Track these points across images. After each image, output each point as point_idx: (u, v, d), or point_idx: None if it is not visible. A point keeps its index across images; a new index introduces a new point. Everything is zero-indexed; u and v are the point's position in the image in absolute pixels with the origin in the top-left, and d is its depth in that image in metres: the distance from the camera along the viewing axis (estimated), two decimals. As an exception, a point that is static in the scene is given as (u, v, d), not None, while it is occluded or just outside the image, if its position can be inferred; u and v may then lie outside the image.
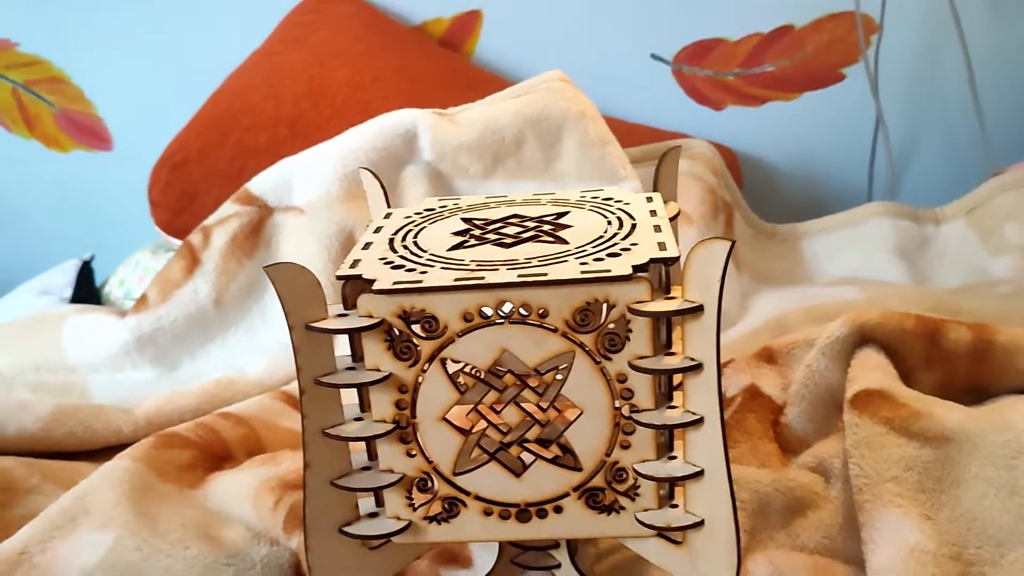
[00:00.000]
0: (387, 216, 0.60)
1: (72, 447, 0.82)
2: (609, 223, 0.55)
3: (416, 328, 0.48)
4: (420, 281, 0.48)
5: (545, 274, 0.47)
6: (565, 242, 0.52)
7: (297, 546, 0.65)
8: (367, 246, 0.54)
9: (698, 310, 0.46)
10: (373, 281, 0.48)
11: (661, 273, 0.49)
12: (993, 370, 0.71)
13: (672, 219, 0.61)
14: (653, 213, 0.56)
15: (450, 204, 0.62)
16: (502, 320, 0.48)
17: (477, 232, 0.55)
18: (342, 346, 0.51)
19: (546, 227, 0.55)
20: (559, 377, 0.49)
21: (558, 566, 0.60)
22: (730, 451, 0.71)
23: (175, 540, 0.63)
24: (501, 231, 0.55)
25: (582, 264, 0.48)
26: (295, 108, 1.10)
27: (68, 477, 0.74)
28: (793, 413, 0.74)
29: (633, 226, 0.54)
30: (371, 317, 0.48)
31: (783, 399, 0.76)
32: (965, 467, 0.61)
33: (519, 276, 0.47)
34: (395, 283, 0.48)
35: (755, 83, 1.38)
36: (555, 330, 0.48)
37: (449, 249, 0.52)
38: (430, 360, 0.49)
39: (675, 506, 0.51)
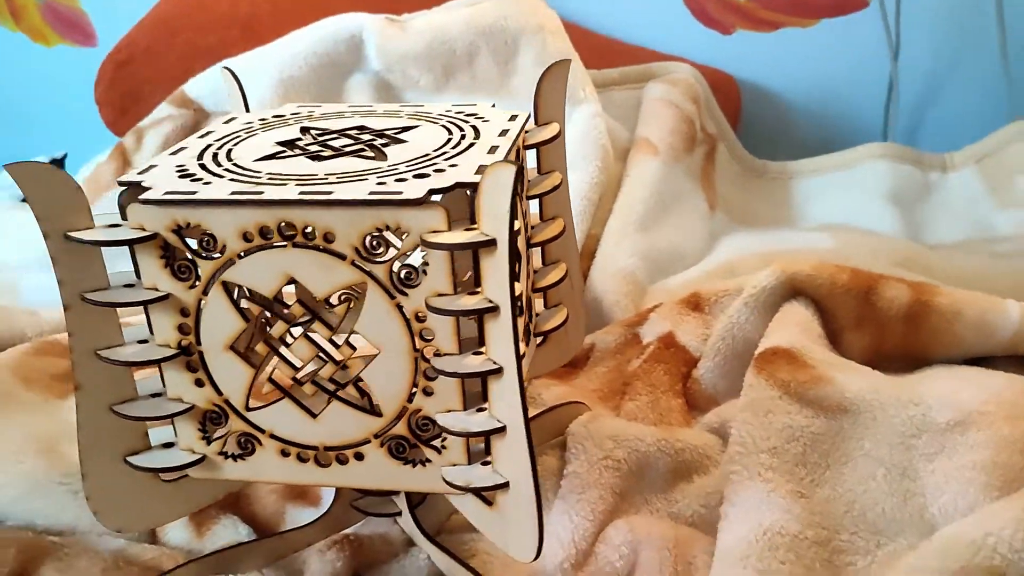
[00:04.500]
0: (228, 120, 0.54)
1: (-28, 347, 0.80)
2: (448, 140, 0.48)
3: (193, 245, 0.43)
4: (195, 192, 0.42)
5: (331, 192, 0.41)
6: (384, 158, 0.46)
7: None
8: (178, 151, 0.49)
9: (489, 244, 0.40)
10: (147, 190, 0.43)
11: (469, 200, 0.43)
12: (928, 336, 0.63)
13: (548, 141, 0.54)
14: (503, 133, 0.49)
15: (304, 111, 0.56)
16: (285, 243, 0.42)
17: (303, 143, 0.49)
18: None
19: (379, 141, 0.48)
20: (351, 311, 0.44)
21: (398, 513, 0.55)
22: (629, 404, 0.65)
23: (10, 453, 0.60)
24: (327, 143, 0.49)
25: (380, 184, 0.42)
26: (251, 8, 1.03)
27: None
28: (706, 368, 0.67)
29: (470, 145, 0.47)
30: (143, 230, 0.43)
31: (701, 351, 0.69)
32: (857, 442, 0.54)
33: (301, 194, 0.41)
34: (167, 192, 0.42)
35: (769, 6, 1.27)
36: (344, 257, 0.42)
37: (256, 160, 0.47)
38: (211, 282, 0.44)
39: (488, 463, 0.45)
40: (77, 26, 1.39)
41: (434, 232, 0.41)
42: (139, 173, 0.45)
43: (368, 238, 0.41)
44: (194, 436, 0.47)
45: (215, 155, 0.48)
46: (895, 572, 0.42)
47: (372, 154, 0.47)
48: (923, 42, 1.22)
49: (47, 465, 0.60)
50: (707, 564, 0.52)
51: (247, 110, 0.58)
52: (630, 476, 0.58)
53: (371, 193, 0.41)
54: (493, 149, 0.46)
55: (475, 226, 0.41)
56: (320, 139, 0.49)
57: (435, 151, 0.46)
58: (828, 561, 0.49)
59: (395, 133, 0.50)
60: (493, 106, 0.55)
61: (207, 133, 0.52)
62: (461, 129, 0.50)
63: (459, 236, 0.40)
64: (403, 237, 0.41)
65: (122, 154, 0.94)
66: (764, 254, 0.86)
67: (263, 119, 0.54)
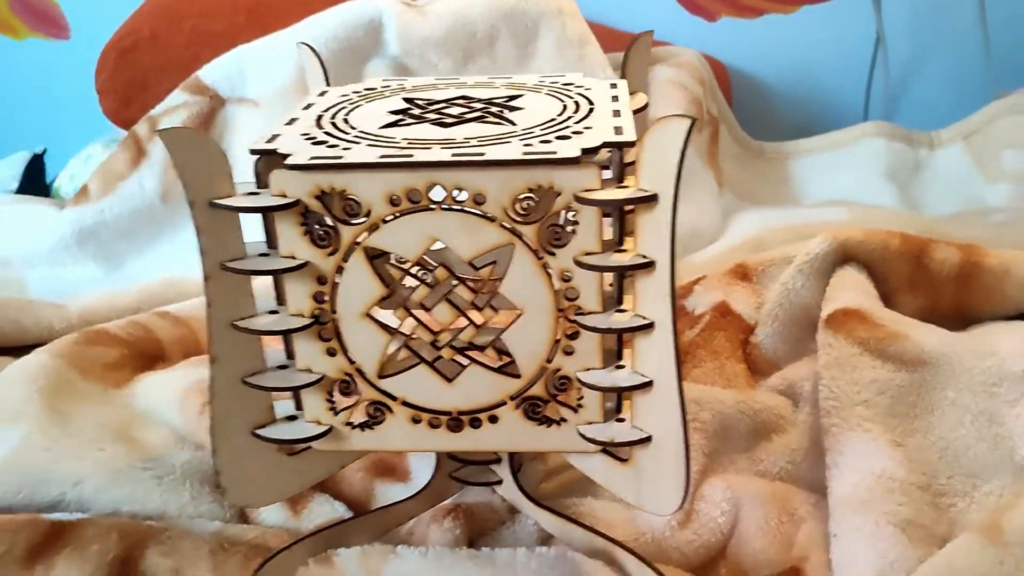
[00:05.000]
0: (322, 94, 0.54)
1: (-1, 343, 0.77)
2: (564, 107, 0.49)
3: (336, 211, 0.43)
4: (341, 157, 0.42)
5: (483, 154, 0.42)
6: (512, 124, 0.46)
7: (222, 452, 0.60)
8: (292, 122, 0.48)
9: (651, 199, 0.41)
10: (288, 156, 0.43)
11: (615, 159, 0.43)
12: (979, 295, 0.67)
13: (639, 111, 0.55)
14: (615, 99, 0.50)
15: (394, 84, 0.56)
16: (433, 206, 0.42)
17: (416, 111, 0.49)
18: (256, 231, 0.45)
19: (494, 108, 0.49)
20: (497, 273, 0.44)
21: (499, 482, 0.56)
22: (695, 370, 0.67)
23: (88, 440, 0.59)
24: (443, 111, 0.49)
25: (526, 145, 0.43)
26: (256, -6, 1.02)
27: (-14, 372, 0.69)
28: (764, 333, 0.69)
29: (590, 110, 0.48)
30: (284, 196, 0.42)
31: (755, 318, 0.71)
32: (941, 393, 0.56)
33: (453, 155, 0.42)
34: (312, 158, 0.42)
35: (752, -7, 1.30)
36: (493, 219, 0.42)
37: (381, 127, 0.47)
38: (352, 248, 0.43)
39: (622, 420, 0.46)
40: (49, 18, 1.34)
41: (588, 190, 0.41)
42: (267, 142, 0.45)
43: (518, 199, 0.42)
44: (321, 407, 0.47)
45: (334, 124, 0.47)
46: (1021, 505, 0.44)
47: (496, 120, 0.47)
48: (902, 24, 1.27)
49: (127, 452, 0.59)
50: (810, 514, 0.54)
51: (328, 84, 0.58)
52: (715, 437, 0.60)
53: (526, 153, 0.41)
54: (617, 113, 0.47)
55: (626, 185, 0.42)
56: (433, 108, 0.49)
57: (560, 116, 0.47)
58: (933, 504, 0.51)
59: (504, 101, 0.50)
60: (583, 75, 0.56)
61: (310, 105, 0.51)
62: (569, 96, 0.51)
63: (618, 193, 0.41)
64: (555, 197, 0.42)
65: (136, 143, 0.92)
66: (789, 228, 0.89)
67: (357, 91, 0.54)
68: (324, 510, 0.57)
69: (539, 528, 0.55)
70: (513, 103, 0.50)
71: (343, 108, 0.50)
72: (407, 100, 0.51)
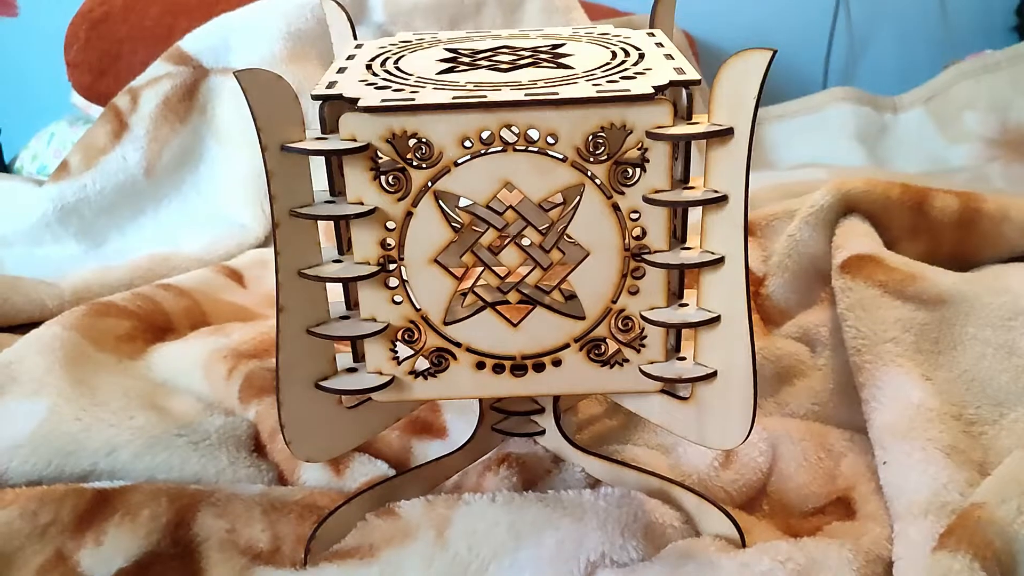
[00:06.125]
0: (358, 46, 0.54)
1: (-11, 322, 0.74)
2: (614, 53, 0.49)
3: (407, 155, 0.43)
4: (412, 99, 0.42)
5: (556, 93, 0.42)
6: (570, 67, 0.47)
7: (255, 416, 0.59)
8: (341, 71, 0.48)
9: (726, 134, 0.42)
10: (356, 100, 0.42)
11: (682, 97, 0.44)
12: (978, 239, 0.70)
13: (671, 61, 0.56)
14: (659, 45, 0.51)
15: (428, 37, 0.55)
16: (504, 147, 0.43)
17: (465, 59, 0.49)
18: (319, 180, 0.45)
19: (543, 55, 0.49)
20: (565, 214, 0.44)
21: (542, 432, 0.56)
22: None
23: (118, 409, 0.57)
24: (493, 59, 0.49)
25: (595, 85, 0.43)
26: (229, -37, 1.00)
27: (-12, 348, 0.66)
28: (775, 284, 0.71)
29: (641, 55, 0.48)
30: (355, 140, 0.42)
31: (763, 271, 0.73)
32: (962, 328, 0.59)
33: (527, 95, 0.42)
34: (383, 101, 0.42)
35: (714, -35, 1.33)
36: (564, 159, 0.43)
37: (439, 73, 0.46)
38: (422, 192, 0.43)
39: (683, 359, 0.47)
40: (-7, -6, 1.29)
41: (661, 126, 0.42)
42: (327, 88, 0.44)
43: (590, 138, 0.42)
44: (384, 356, 0.47)
45: (387, 71, 0.47)
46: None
47: (553, 65, 0.47)
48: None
49: (159, 420, 0.57)
50: (848, 448, 0.56)
51: (355, 38, 0.57)
52: (743, 382, 0.61)
53: (598, 92, 0.42)
54: (669, 56, 0.48)
55: (695, 121, 0.43)
56: (481, 55, 0.49)
57: (614, 61, 0.47)
58: (965, 432, 0.53)
59: (550, 49, 0.50)
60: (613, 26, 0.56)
61: (352, 56, 0.51)
62: (613, 44, 0.51)
63: (692, 127, 0.42)
64: (626, 136, 0.42)
65: (117, 115, 0.89)
66: (773, 187, 0.91)
67: (393, 43, 0.54)
68: (367, 469, 0.56)
69: (586, 475, 0.55)
70: (560, 50, 0.50)
71: (388, 57, 0.50)
72: (449, 50, 0.51)
